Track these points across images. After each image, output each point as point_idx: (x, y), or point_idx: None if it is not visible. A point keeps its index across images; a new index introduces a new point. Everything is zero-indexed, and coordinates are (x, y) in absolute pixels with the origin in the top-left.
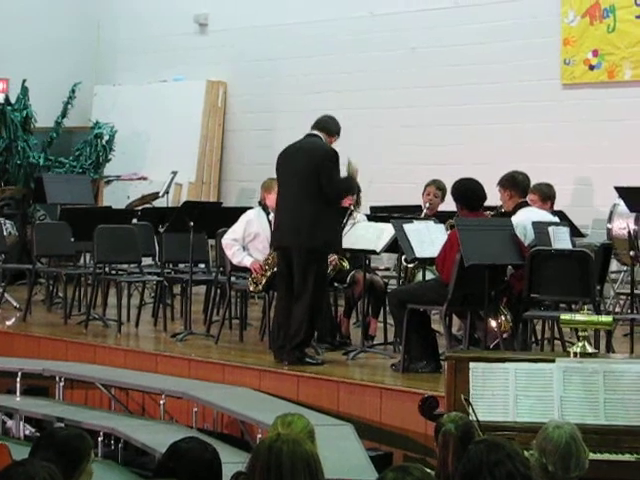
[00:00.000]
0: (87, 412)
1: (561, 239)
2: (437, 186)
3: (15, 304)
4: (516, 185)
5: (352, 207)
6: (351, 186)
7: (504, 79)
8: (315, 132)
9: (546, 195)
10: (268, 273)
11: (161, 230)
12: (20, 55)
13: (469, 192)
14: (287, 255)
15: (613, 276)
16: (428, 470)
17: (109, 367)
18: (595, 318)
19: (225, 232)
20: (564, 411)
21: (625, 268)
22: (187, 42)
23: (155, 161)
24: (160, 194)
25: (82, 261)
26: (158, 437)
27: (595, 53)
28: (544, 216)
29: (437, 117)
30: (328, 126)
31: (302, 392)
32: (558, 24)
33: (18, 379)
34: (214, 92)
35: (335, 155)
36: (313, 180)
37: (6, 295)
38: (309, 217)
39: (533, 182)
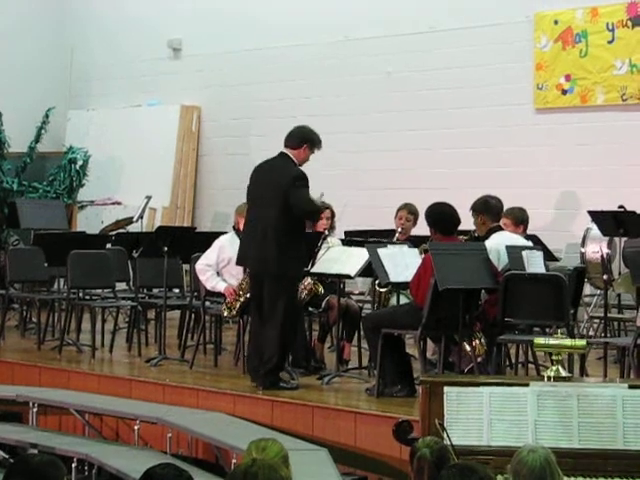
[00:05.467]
0: (61, 438)
1: (535, 263)
2: (409, 210)
3: None
4: (489, 209)
5: (326, 231)
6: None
7: (478, 104)
8: (284, 150)
9: (519, 219)
10: (242, 298)
11: (135, 255)
12: None
13: (443, 216)
14: (259, 280)
15: (587, 300)
16: None
17: (83, 392)
18: (569, 342)
19: (199, 257)
20: (538, 435)
21: (598, 292)
22: (161, 67)
23: (129, 186)
24: (134, 219)
25: (56, 286)
26: (132, 463)
27: (568, 78)
28: (517, 240)
29: (411, 141)
30: (293, 138)
31: (277, 417)
32: (531, 49)
33: None
34: (188, 117)
35: (302, 178)
36: (280, 206)
37: None
38: (276, 245)
39: (506, 206)
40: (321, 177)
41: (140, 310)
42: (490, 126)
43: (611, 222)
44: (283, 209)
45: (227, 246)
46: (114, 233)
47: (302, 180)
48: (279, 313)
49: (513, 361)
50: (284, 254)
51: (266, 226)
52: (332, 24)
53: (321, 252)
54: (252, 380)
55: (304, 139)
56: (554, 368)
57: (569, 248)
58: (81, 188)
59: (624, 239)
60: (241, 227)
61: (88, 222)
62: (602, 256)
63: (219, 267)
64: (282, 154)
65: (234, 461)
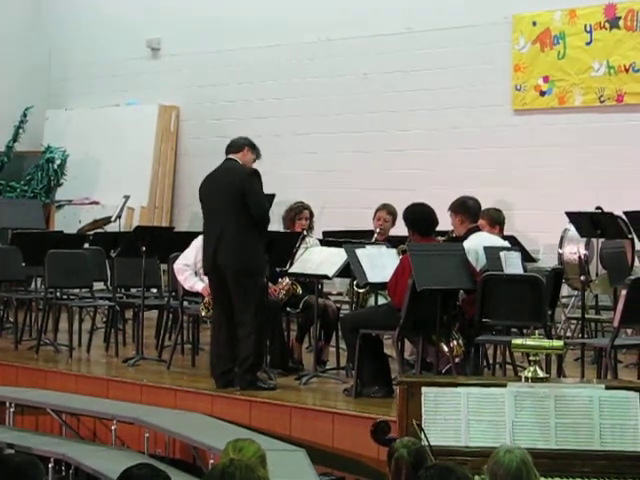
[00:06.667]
0: (38, 438)
1: (512, 264)
2: (388, 210)
3: None
4: (467, 210)
5: (305, 232)
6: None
7: (456, 104)
8: (229, 156)
9: (495, 220)
10: None
11: (113, 255)
12: None
13: (421, 217)
14: (221, 277)
15: (564, 301)
16: None
17: (60, 392)
18: (546, 343)
19: (177, 257)
20: (515, 435)
21: (576, 293)
22: (140, 66)
23: (107, 185)
24: (112, 219)
25: (33, 286)
26: (109, 463)
27: (546, 79)
28: (496, 241)
29: (389, 142)
30: (234, 145)
31: (254, 417)
32: (509, 50)
33: None
34: (167, 116)
35: (255, 172)
36: (236, 202)
37: None
38: (234, 240)
39: (484, 207)
40: (299, 177)
41: (118, 310)
42: (468, 127)
43: (588, 223)
44: (240, 206)
45: None
46: (92, 233)
47: (257, 176)
48: (249, 311)
49: (491, 362)
50: (241, 249)
51: (224, 224)
52: (309, 25)
53: (299, 252)
54: (217, 386)
55: (243, 143)
56: (531, 369)
57: (547, 249)
58: (59, 187)
59: (601, 240)
60: None
61: (66, 222)
62: (580, 257)
63: (197, 267)
64: (229, 159)
65: (211, 461)
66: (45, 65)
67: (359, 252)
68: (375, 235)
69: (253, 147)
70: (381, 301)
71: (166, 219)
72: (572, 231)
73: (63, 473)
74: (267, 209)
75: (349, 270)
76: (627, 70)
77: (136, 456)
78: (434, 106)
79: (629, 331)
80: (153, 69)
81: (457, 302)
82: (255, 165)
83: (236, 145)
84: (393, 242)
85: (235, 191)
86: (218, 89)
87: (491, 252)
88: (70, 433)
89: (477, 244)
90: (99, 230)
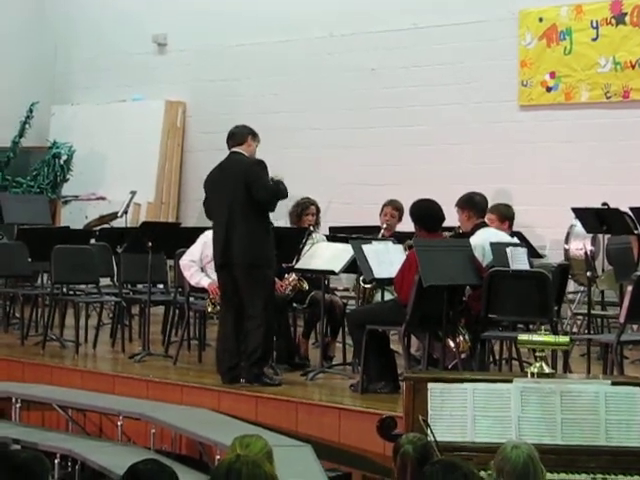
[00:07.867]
0: (44, 434)
1: (519, 260)
2: (394, 206)
3: None
4: (474, 206)
5: (311, 227)
6: (281, 189)
7: (462, 100)
8: (233, 149)
9: (504, 215)
10: None
11: (119, 250)
12: None
13: (427, 213)
14: (230, 272)
15: (570, 296)
16: None
17: (66, 388)
18: (552, 338)
19: (184, 253)
20: (522, 431)
21: (582, 288)
22: (146, 62)
23: (114, 181)
24: (119, 214)
25: (39, 281)
26: (115, 459)
27: (552, 75)
28: (502, 237)
29: (395, 138)
30: (236, 136)
31: (261, 413)
32: (515, 46)
33: None
34: (173, 112)
35: (261, 163)
36: (242, 195)
37: None
38: (241, 234)
39: (491, 203)
40: (306, 173)
41: (124, 306)
42: (474, 122)
43: (594, 219)
44: (246, 199)
45: (211, 242)
46: (98, 228)
47: (261, 166)
48: (259, 304)
49: (497, 357)
50: (250, 244)
51: (231, 218)
52: (317, 21)
53: (306, 248)
54: (223, 381)
55: (245, 132)
56: (537, 364)
57: (553, 245)
58: (65, 183)
59: (607, 236)
60: None
61: (72, 217)
62: (586, 253)
63: (203, 263)
64: (233, 152)
65: (218, 457)
66: (50, 60)
67: (365, 248)
68: (382, 231)
69: (254, 135)
70: (387, 297)
71: (172, 215)
72: (578, 227)
73: (69, 469)
74: (272, 191)
75: (355, 266)
76: (633, 66)
77: (142, 452)
78: (441, 102)
79: (635, 327)
80: (159, 64)
81: (463, 298)
82: (264, 159)
83: (239, 136)
84: (399, 238)
85: (241, 181)
86: (224, 84)
87: (497, 248)
88: (76, 429)
89: (484, 240)
90: (105, 226)
